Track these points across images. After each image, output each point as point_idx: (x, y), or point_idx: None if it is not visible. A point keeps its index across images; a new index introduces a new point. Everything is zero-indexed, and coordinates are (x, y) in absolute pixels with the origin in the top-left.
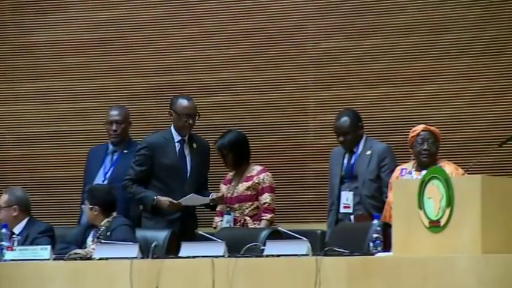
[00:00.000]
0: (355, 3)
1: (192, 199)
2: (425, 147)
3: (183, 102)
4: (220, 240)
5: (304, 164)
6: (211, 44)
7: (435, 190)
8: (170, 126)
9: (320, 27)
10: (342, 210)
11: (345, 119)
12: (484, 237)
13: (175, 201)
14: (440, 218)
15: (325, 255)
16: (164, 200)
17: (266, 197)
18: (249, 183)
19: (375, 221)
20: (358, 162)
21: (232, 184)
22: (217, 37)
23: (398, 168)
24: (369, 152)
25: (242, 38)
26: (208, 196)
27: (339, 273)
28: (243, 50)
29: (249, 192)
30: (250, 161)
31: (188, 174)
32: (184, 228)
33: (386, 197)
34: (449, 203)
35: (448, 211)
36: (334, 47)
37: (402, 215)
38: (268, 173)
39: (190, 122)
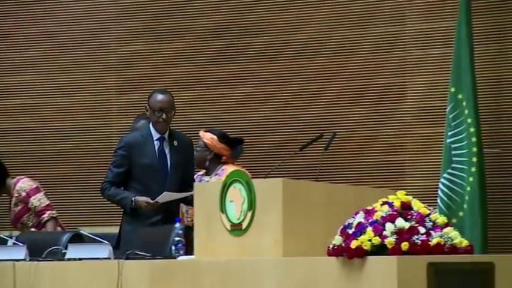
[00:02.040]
0: (160, 5)
1: (166, 196)
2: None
3: (157, 96)
4: (21, 244)
5: (107, 167)
6: (11, 45)
7: (237, 193)
8: (149, 123)
9: (123, 29)
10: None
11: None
12: (285, 241)
13: (151, 201)
14: (242, 221)
15: (127, 258)
16: (142, 200)
17: (32, 202)
18: (13, 199)
19: (177, 224)
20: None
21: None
22: (17, 38)
23: (197, 173)
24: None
25: (44, 39)
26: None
27: (141, 277)
28: (44, 51)
29: (20, 207)
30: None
31: (168, 173)
32: None
33: None
34: (251, 206)
35: (249, 214)
36: (138, 50)
37: (204, 219)
38: (23, 179)
39: (164, 117)
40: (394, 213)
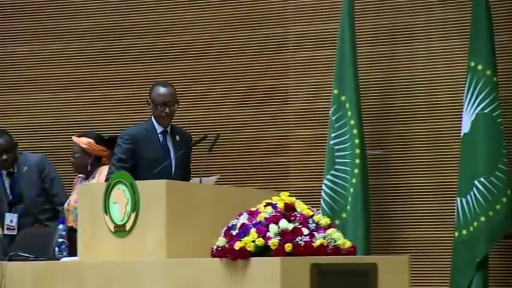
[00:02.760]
0: (57, 5)
1: None
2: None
3: (159, 89)
4: None
5: None
6: None
7: (121, 195)
8: (151, 117)
9: (10, 29)
10: (6, 232)
11: (5, 137)
12: (168, 242)
13: None
14: (126, 222)
15: (10, 260)
16: None
17: None
18: None
19: (60, 226)
20: (19, 181)
21: None
22: None
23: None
24: (25, 168)
25: None
26: None
27: (24, 278)
28: None
29: None
30: None
31: (173, 169)
32: None
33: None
34: (135, 207)
35: (133, 216)
36: (26, 51)
37: (88, 220)
38: None
39: (167, 111)
40: (278, 214)
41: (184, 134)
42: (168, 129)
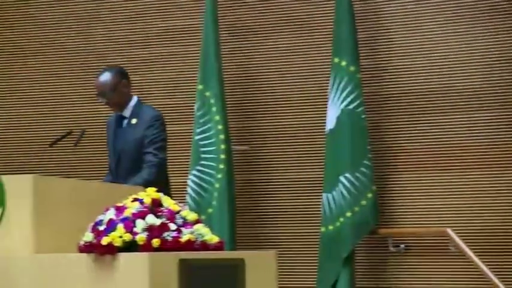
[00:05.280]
0: None
1: None
2: None
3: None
4: None
5: None
6: None
7: None
8: None
9: None
10: None
11: None
12: (36, 237)
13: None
14: None
15: None
16: None
17: None
18: None
19: None
20: None
21: None
22: None
23: None
24: None
25: None
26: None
27: None
28: None
29: None
30: None
31: (119, 154)
32: None
33: None
34: (1, 203)
35: None
36: None
37: None
38: None
39: (103, 102)
40: (145, 209)
41: (147, 115)
42: (126, 113)
